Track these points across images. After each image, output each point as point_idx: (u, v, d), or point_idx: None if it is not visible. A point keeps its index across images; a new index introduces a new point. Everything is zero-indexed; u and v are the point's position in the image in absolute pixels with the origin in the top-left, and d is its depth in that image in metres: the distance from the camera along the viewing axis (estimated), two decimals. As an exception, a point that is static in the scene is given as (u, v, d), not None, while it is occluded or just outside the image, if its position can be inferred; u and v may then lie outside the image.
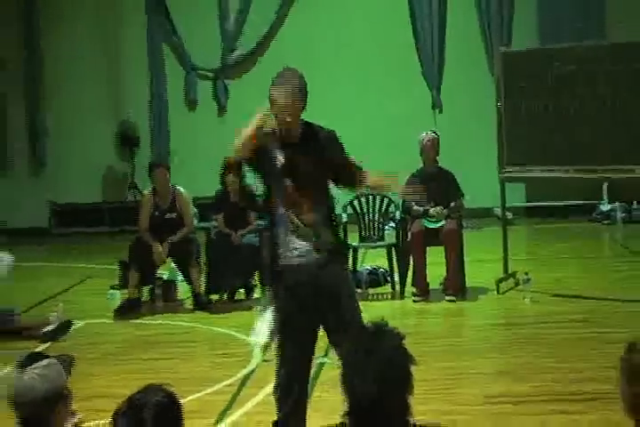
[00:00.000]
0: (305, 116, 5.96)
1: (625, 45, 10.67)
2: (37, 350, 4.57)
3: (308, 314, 5.66)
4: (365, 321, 3.65)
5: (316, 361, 6.29)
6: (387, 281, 11.03)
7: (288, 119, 5.64)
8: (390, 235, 11.05)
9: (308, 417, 5.79)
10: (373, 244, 11.19)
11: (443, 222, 10.62)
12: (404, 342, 3.51)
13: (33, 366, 3.81)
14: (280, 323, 5.85)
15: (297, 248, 5.69)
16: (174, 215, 10.82)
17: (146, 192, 11.15)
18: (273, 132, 5.78)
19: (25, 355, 4.01)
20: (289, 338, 5.73)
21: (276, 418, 5.82)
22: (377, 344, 3.50)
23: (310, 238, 5.67)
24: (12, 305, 10.17)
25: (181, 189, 10.97)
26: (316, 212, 5.71)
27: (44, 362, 3.85)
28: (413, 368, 3.46)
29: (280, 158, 5.74)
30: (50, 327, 9.53)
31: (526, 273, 10.95)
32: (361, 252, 11.38)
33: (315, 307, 5.68)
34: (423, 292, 10.57)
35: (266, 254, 6.26)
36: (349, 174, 5.90)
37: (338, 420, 3.66)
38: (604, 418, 6.10)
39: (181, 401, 3.33)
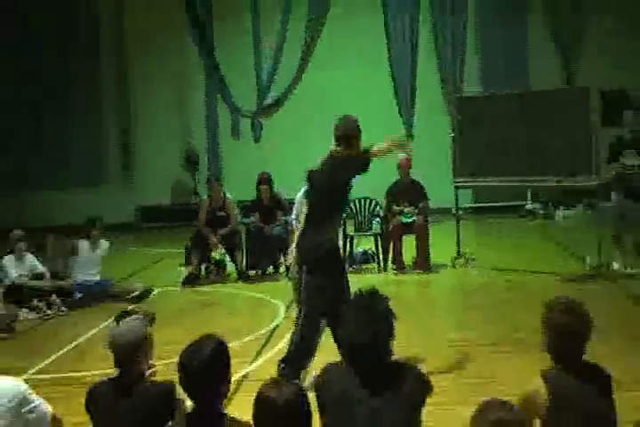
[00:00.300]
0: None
1: (542, 92, 10.65)
2: (127, 309, 4.60)
3: None
4: (361, 288, 3.62)
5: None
6: (374, 260, 10.98)
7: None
8: (376, 227, 11.00)
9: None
10: (364, 233, 11.15)
11: (414, 218, 10.60)
12: (389, 302, 3.52)
13: (124, 320, 3.83)
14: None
15: None
16: (224, 214, 10.80)
17: (205, 197, 11.16)
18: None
19: (119, 312, 4.02)
20: None
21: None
22: (371, 303, 3.50)
23: None
24: (109, 278, 10.18)
25: (229, 196, 10.96)
26: None
27: (132, 317, 3.87)
28: (395, 322, 3.47)
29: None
30: (136, 293, 9.55)
31: (472, 253, 10.96)
32: (356, 239, 11.34)
33: None
34: (400, 268, 10.53)
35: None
36: None
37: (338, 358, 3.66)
38: (531, 357, 6.03)
39: (228, 345, 3.33)
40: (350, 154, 5.83)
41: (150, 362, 3.89)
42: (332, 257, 5.96)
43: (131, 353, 3.72)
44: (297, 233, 6.11)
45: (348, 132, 5.91)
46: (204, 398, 3.35)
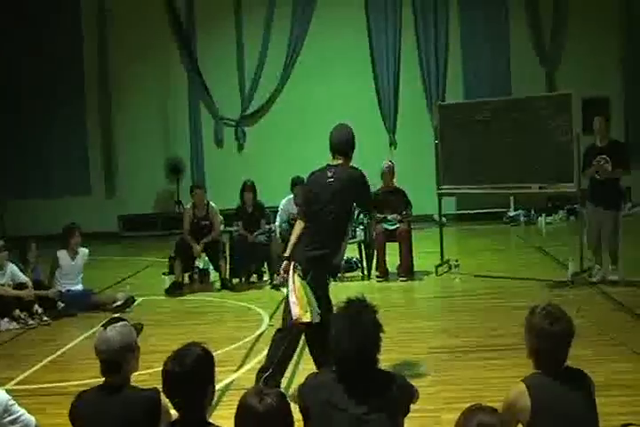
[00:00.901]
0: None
1: (523, 100, 10.69)
2: (116, 316, 4.60)
3: None
4: (350, 296, 3.64)
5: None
6: (358, 267, 10.99)
7: None
8: (360, 234, 11.01)
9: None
10: (348, 241, 11.14)
11: (397, 225, 10.62)
12: (377, 314, 3.55)
13: (113, 325, 3.82)
14: None
15: None
16: (207, 222, 10.78)
17: (188, 206, 11.10)
18: None
19: (108, 318, 4.01)
20: None
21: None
22: (359, 315, 3.52)
23: None
24: (92, 287, 10.13)
25: (213, 204, 10.94)
26: None
27: (121, 323, 3.85)
28: (382, 333, 3.49)
29: None
30: (119, 302, 9.50)
31: (456, 260, 10.98)
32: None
33: None
34: (384, 274, 10.55)
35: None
36: None
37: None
38: (513, 362, 6.08)
39: (213, 353, 3.31)
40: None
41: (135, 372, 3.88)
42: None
43: (118, 359, 3.71)
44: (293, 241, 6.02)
45: (349, 147, 6.03)
46: (188, 407, 3.34)
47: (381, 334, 3.51)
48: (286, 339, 5.86)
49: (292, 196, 10.65)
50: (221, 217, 11.55)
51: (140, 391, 3.71)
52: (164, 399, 3.51)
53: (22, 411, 3.76)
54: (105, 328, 3.81)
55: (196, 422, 3.32)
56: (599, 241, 9.35)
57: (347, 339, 3.43)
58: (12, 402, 3.73)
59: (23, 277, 9.31)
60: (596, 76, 15.76)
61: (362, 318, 3.50)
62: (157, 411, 3.61)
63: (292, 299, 5.67)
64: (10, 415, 3.69)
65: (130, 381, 3.80)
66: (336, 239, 5.90)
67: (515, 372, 5.48)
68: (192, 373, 3.31)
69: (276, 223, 10.87)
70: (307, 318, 5.60)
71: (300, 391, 3.57)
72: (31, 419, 3.78)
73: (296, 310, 5.64)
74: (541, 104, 9.92)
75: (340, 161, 5.96)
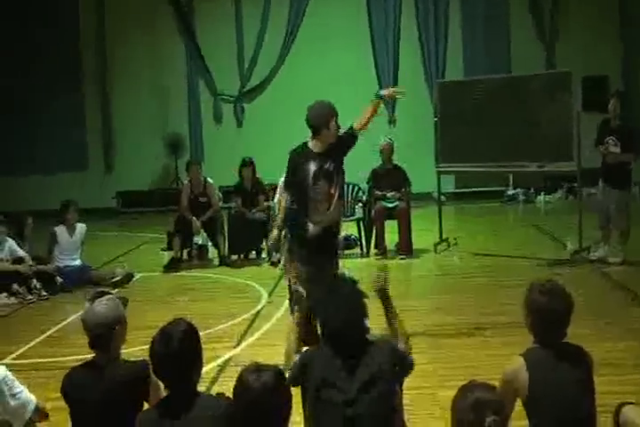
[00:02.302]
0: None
1: (523, 77, 10.66)
2: (101, 290, 4.64)
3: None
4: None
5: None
6: (357, 244, 11.00)
7: None
8: (359, 212, 11.01)
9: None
10: (347, 218, 11.15)
11: (396, 203, 10.62)
12: (357, 284, 3.67)
13: (99, 300, 3.82)
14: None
15: None
16: (205, 199, 10.78)
17: (185, 182, 11.08)
18: None
19: (93, 292, 4.02)
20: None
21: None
22: (338, 286, 3.61)
23: None
24: (90, 263, 10.15)
25: (210, 180, 10.92)
26: None
27: (107, 297, 3.86)
28: (367, 301, 3.54)
29: None
30: (117, 278, 9.52)
31: (455, 239, 11.00)
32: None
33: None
34: (383, 252, 10.56)
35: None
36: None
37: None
38: (509, 340, 6.10)
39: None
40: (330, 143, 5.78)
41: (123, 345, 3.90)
42: None
43: (106, 333, 3.72)
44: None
45: (315, 123, 5.76)
46: (177, 383, 3.37)
47: (365, 301, 3.59)
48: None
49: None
50: (220, 194, 11.54)
51: (128, 363, 3.75)
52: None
53: (22, 387, 3.77)
54: (92, 303, 3.81)
55: (187, 395, 3.35)
56: (608, 220, 9.32)
57: (331, 311, 3.52)
58: (12, 377, 3.73)
59: (21, 252, 9.32)
60: (595, 54, 15.67)
61: (340, 287, 3.63)
62: (146, 381, 3.64)
63: None
64: (10, 390, 3.69)
65: (119, 354, 3.82)
66: None
67: (510, 350, 5.44)
68: (178, 351, 3.34)
69: (275, 200, 10.83)
70: None
71: (295, 366, 3.61)
72: (31, 396, 3.78)
73: None
74: (541, 82, 9.89)
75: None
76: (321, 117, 5.76)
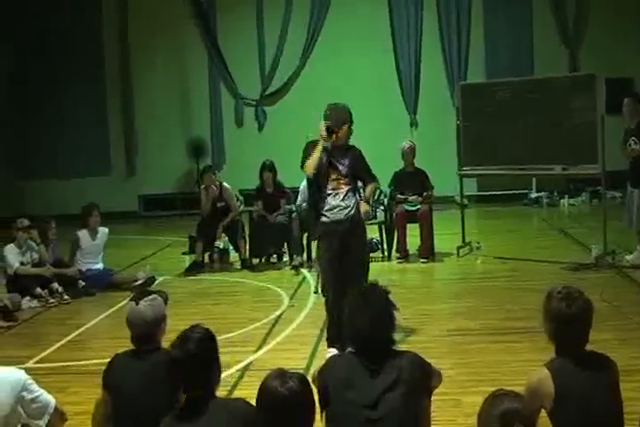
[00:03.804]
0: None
1: (546, 79, 10.57)
2: (144, 289, 4.67)
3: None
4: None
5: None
6: (378, 248, 10.94)
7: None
8: (381, 215, 10.96)
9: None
10: (369, 221, 11.07)
11: (418, 206, 10.56)
12: (390, 294, 3.61)
13: (143, 299, 3.92)
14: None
15: None
16: (223, 204, 10.77)
17: (203, 186, 11.06)
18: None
19: (137, 291, 4.09)
20: None
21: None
22: (372, 295, 3.56)
23: None
24: (111, 266, 10.16)
25: (226, 185, 10.92)
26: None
27: (151, 296, 3.97)
28: (396, 313, 3.52)
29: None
30: (139, 282, 9.52)
31: (478, 242, 10.93)
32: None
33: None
34: (404, 256, 10.50)
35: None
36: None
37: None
38: (533, 345, 6.03)
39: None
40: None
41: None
42: None
43: (151, 331, 3.86)
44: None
45: (330, 125, 6.42)
46: (195, 389, 3.38)
47: (395, 313, 3.57)
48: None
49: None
50: (241, 197, 11.53)
51: (169, 352, 3.75)
52: None
53: (42, 391, 3.76)
54: (136, 303, 3.90)
55: (205, 399, 3.36)
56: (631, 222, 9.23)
57: (360, 318, 3.49)
58: (31, 381, 3.73)
59: (44, 256, 9.37)
60: (619, 56, 15.52)
61: (374, 297, 3.58)
62: None
63: None
64: (30, 394, 3.69)
65: (160, 345, 3.91)
66: None
67: (534, 355, 5.44)
68: (196, 356, 3.38)
69: (297, 203, 10.80)
70: None
71: (319, 373, 3.58)
72: (51, 399, 3.78)
73: None
74: (565, 84, 9.81)
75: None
76: (335, 120, 6.43)
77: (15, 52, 16.89)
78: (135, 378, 3.76)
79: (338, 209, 6.44)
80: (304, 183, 10.78)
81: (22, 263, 9.12)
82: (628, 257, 9.27)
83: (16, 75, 17.00)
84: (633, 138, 9.00)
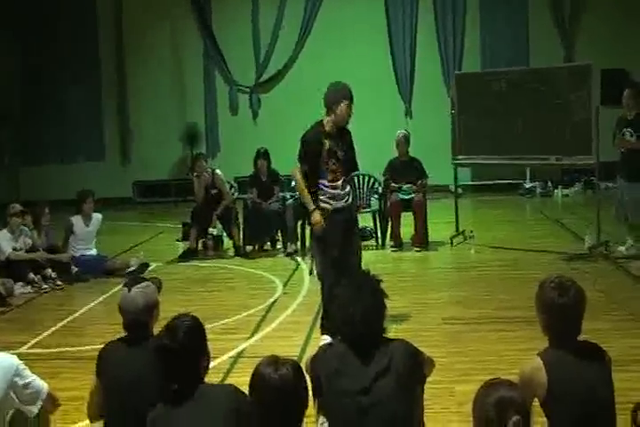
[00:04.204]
0: (318, 118, 6.57)
1: (541, 70, 10.53)
2: (138, 276, 4.64)
3: None
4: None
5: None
6: (372, 236, 10.93)
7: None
8: (375, 204, 10.94)
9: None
10: (363, 210, 11.07)
11: (412, 195, 10.55)
12: (382, 283, 3.62)
13: (136, 286, 3.88)
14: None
15: None
16: (216, 191, 10.74)
17: (195, 174, 11.02)
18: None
19: (131, 278, 4.05)
20: None
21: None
22: (364, 285, 3.59)
23: None
24: (105, 252, 10.14)
25: (218, 171, 10.89)
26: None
27: (144, 283, 3.93)
28: (387, 301, 3.52)
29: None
30: (132, 268, 9.50)
31: (471, 231, 10.93)
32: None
33: None
34: (398, 244, 10.49)
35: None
36: None
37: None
38: (527, 334, 6.02)
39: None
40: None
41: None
42: None
43: (143, 318, 3.82)
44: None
45: (326, 102, 6.44)
46: (184, 378, 3.38)
47: (386, 302, 3.57)
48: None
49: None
50: (235, 185, 11.49)
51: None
52: None
53: (34, 377, 3.75)
54: (129, 289, 3.87)
55: (194, 387, 3.35)
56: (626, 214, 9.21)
57: (351, 306, 3.49)
58: (24, 367, 3.71)
59: (37, 242, 9.35)
60: (615, 47, 15.49)
61: (365, 285, 3.58)
62: None
63: None
64: (22, 380, 3.67)
65: (152, 332, 3.88)
66: None
67: (529, 344, 5.44)
68: (184, 344, 3.36)
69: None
70: None
71: (311, 362, 3.59)
72: (43, 385, 3.77)
73: None
74: (560, 75, 9.77)
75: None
76: (332, 97, 6.39)
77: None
78: (127, 366, 3.74)
79: (338, 197, 6.48)
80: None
81: (15, 249, 9.09)
82: (621, 248, 9.26)
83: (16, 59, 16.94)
84: (629, 129, 8.97)
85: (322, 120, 6.47)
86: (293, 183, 10.48)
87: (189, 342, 3.38)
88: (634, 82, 12.05)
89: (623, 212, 9.22)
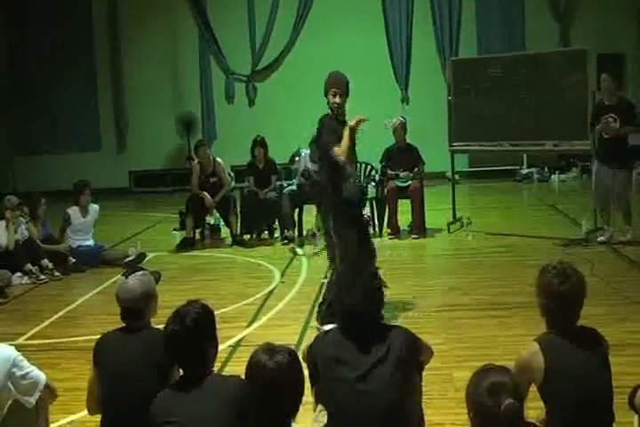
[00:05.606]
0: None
1: (538, 55, 10.49)
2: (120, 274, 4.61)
3: None
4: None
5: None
6: (369, 224, 10.93)
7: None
8: (372, 191, 10.93)
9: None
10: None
11: (409, 182, 10.54)
12: (379, 271, 3.61)
13: (134, 275, 3.91)
14: None
15: None
16: (216, 179, 10.73)
17: (195, 162, 11.00)
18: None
19: (130, 268, 4.09)
20: None
21: None
22: (361, 271, 3.58)
23: None
24: (102, 242, 10.14)
25: (219, 160, 10.87)
26: None
27: (141, 272, 3.97)
28: (385, 290, 3.54)
29: None
30: (130, 258, 9.49)
31: (468, 218, 10.92)
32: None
33: None
34: (395, 232, 10.49)
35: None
36: None
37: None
38: (524, 320, 6.05)
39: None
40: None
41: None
42: None
43: (139, 306, 3.83)
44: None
45: (325, 90, 6.53)
46: (191, 364, 3.39)
47: (383, 290, 3.59)
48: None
49: (307, 151, 10.55)
50: (232, 173, 11.48)
51: (159, 331, 3.76)
52: None
53: (32, 367, 3.76)
54: (126, 277, 3.90)
55: (201, 375, 3.36)
56: (607, 201, 9.20)
57: (349, 293, 3.51)
58: (21, 358, 3.72)
59: (33, 233, 9.34)
60: (611, 31, 15.46)
61: (363, 273, 3.60)
62: None
63: None
64: (20, 370, 3.68)
65: (149, 323, 3.90)
66: None
67: (525, 330, 5.46)
68: (193, 331, 3.37)
69: (301, 169, 10.70)
70: None
71: (308, 349, 3.60)
72: (41, 375, 3.77)
73: None
74: (556, 60, 9.75)
75: None
76: (325, 86, 6.52)
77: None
78: (124, 356, 3.75)
79: (355, 178, 6.72)
80: (305, 152, 10.67)
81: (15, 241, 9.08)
82: (602, 237, 9.18)
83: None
84: (611, 115, 8.89)
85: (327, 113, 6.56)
86: (305, 152, 10.45)
87: (197, 328, 3.38)
88: (623, 67, 12.03)
89: (603, 199, 9.16)
